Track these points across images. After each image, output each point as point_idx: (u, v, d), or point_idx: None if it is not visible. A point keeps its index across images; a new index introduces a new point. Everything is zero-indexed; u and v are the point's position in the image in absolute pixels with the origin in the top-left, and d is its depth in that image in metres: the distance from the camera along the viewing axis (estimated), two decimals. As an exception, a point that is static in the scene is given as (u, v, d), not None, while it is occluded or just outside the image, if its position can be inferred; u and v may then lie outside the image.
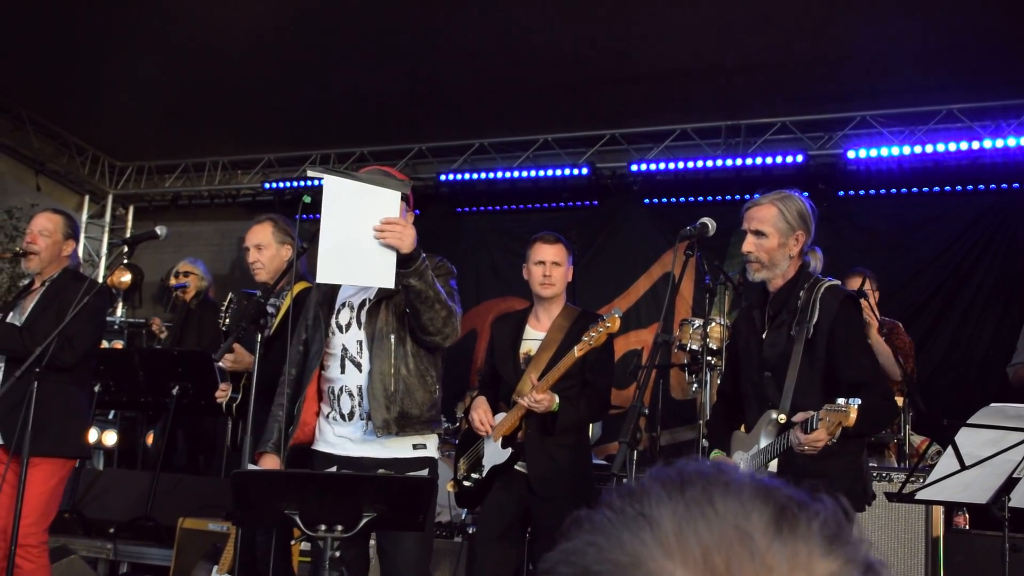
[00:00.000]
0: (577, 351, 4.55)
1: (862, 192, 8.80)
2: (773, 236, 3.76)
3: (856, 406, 3.23)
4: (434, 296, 3.69)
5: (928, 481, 3.84)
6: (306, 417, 4.01)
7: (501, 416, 4.80)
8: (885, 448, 6.41)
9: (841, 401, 3.25)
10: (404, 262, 3.59)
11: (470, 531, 5.95)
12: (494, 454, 4.79)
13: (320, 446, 3.98)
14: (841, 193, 8.83)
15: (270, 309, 4.86)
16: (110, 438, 9.09)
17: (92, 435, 8.91)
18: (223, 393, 4.89)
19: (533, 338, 4.93)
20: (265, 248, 4.96)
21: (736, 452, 3.81)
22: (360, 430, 3.86)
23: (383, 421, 3.78)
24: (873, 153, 8.37)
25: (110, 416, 9.26)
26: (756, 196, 3.89)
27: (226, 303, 5.04)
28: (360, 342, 3.91)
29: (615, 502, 0.84)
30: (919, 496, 3.90)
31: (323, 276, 3.63)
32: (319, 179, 3.58)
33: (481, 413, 4.77)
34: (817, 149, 8.79)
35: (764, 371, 3.75)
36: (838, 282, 3.77)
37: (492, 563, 4.74)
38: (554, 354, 4.76)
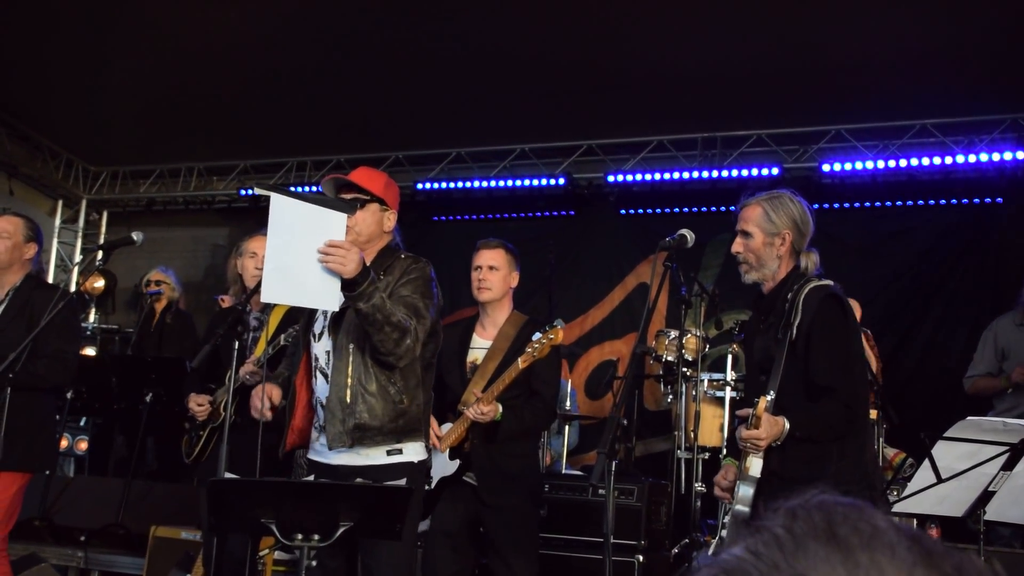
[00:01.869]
0: (521, 362, 4.56)
1: (836, 205, 8.86)
2: (758, 235, 3.73)
3: (767, 399, 3.28)
4: (383, 319, 3.60)
5: (904, 494, 3.86)
6: (294, 423, 3.99)
7: (447, 427, 4.79)
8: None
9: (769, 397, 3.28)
10: (348, 286, 3.52)
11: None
12: (442, 465, 4.76)
13: (309, 454, 3.97)
14: (816, 206, 8.82)
15: (253, 323, 4.83)
16: (82, 445, 9.00)
17: (64, 442, 8.83)
18: (202, 407, 4.83)
19: (480, 346, 4.93)
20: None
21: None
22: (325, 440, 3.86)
23: (336, 434, 3.73)
24: (848, 167, 8.44)
25: (81, 423, 9.18)
26: (746, 198, 3.88)
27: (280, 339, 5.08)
28: (328, 352, 3.89)
29: (763, 553, 0.80)
30: (895, 509, 3.92)
31: (267, 296, 3.58)
32: (265, 197, 3.54)
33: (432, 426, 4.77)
34: (792, 162, 8.86)
35: (760, 375, 3.73)
36: (829, 282, 3.70)
37: (445, 572, 4.73)
38: (500, 363, 4.75)
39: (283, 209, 3.51)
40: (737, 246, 3.79)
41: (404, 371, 3.83)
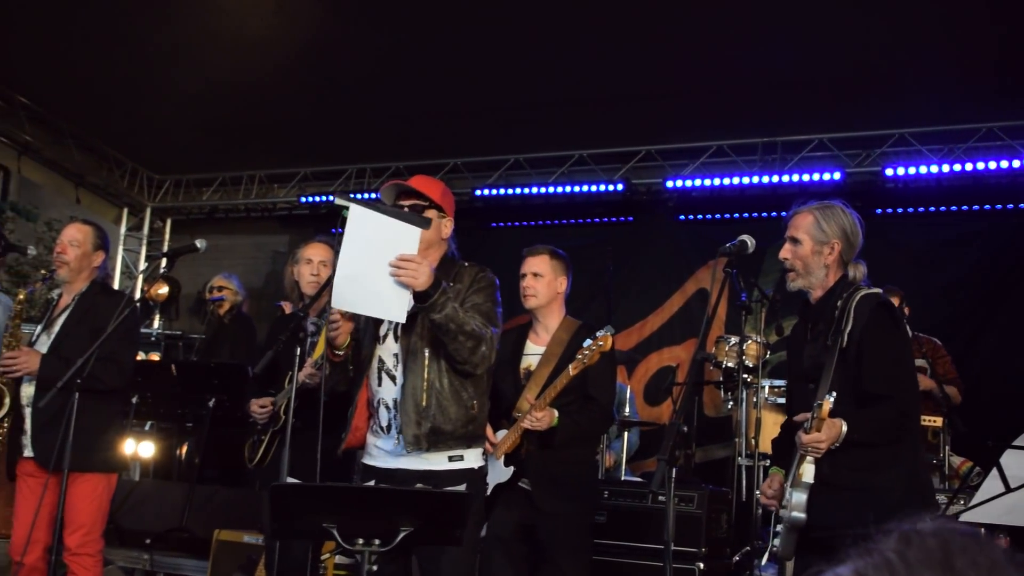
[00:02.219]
0: (571, 369, 4.54)
1: (900, 210, 8.75)
2: (807, 243, 3.74)
3: (830, 400, 3.22)
4: (456, 329, 3.66)
5: (972, 503, 3.79)
6: (357, 423, 4.02)
7: (503, 433, 4.79)
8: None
9: (820, 400, 3.23)
10: (420, 298, 3.59)
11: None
12: (497, 472, 4.77)
13: (365, 458, 3.98)
14: (879, 211, 8.78)
15: (311, 327, 4.87)
16: (146, 449, 9.14)
17: (128, 446, 8.97)
18: (264, 409, 4.86)
19: (533, 353, 4.93)
20: (329, 266, 5.03)
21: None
22: (396, 444, 3.86)
23: (413, 436, 3.76)
24: (912, 171, 8.32)
25: (146, 427, 9.32)
26: (797, 206, 3.88)
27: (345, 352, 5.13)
28: (396, 355, 3.90)
29: None
30: (963, 519, 3.84)
31: (337, 303, 3.65)
32: (345, 207, 3.59)
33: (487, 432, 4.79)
34: (855, 166, 8.75)
35: (808, 383, 3.69)
36: (878, 291, 3.69)
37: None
38: (554, 369, 4.75)
39: (361, 220, 3.59)
40: (785, 252, 3.79)
41: (475, 377, 3.87)
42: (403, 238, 3.58)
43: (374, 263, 3.56)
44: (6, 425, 5.00)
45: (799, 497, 3.46)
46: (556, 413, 4.57)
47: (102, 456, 4.82)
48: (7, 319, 5.40)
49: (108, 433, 4.85)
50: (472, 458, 3.85)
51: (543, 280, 4.90)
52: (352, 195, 10.05)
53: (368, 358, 3.98)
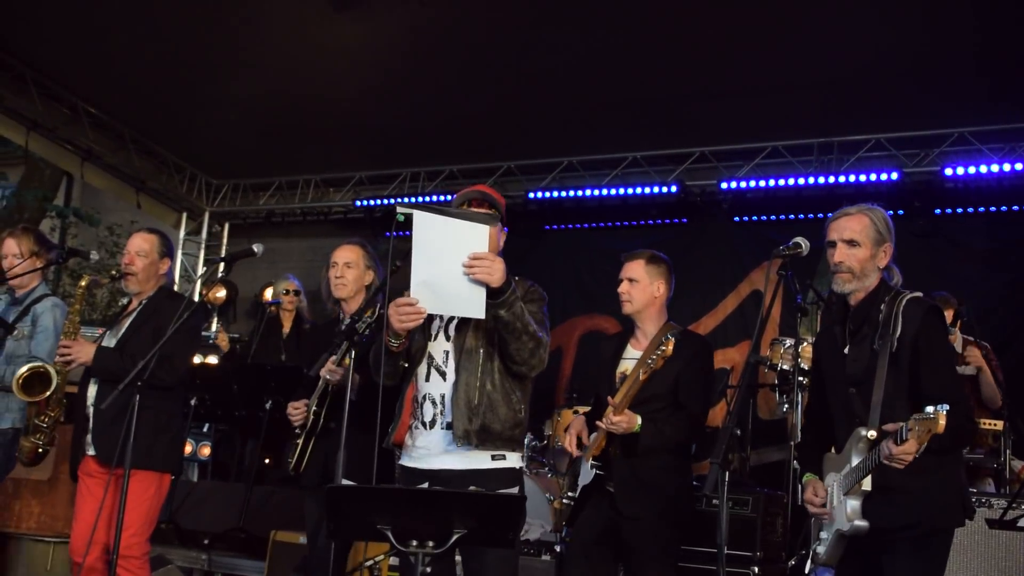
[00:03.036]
0: (642, 375, 4.53)
1: (959, 210, 8.63)
2: (866, 246, 3.73)
3: (945, 412, 3.13)
4: (522, 328, 3.72)
5: (1032, 508, 3.74)
6: (405, 417, 4.06)
7: (595, 435, 4.81)
8: (983, 472, 6.24)
9: (929, 409, 3.15)
10: (493, 294, 3.63)
11: (556, 549, 5.94)
12: (586, 473, 4.79)
13: (404, 460, 4.00)
14: (937, 211, 8.67)
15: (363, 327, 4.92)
16: (205, 450, 9.27)
17: (188, 448, 9.11)
18: (298, 411, 4.86)
19: (631, 357, 4.91)
20: (354, 267, 5.15)
21: (828, 474, 3.72)
22: (440, 439, 3.86)
23: (464, 431, 3.79)
24: (972, 170, 8.19)
25: (204, 429, 9.45)
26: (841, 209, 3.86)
27: (372, 319, 5.04)
28: (447, 352, 3.93)
29: None
30: (1022, 523, 3.79)
31: None
32: (404, 218, 3.63)
33: (573, 433, 4.81)
34: (913, 166, 8.63)
35: (849, 387, 3.68)
36: (919, 294, 3.69)
37: None
38: (639, 372, 4.73)
39: (426, 225, 3.62)
40: (841, 255, 3.76)
41: (524, 383, 3.92)
42: (471, 236, 3.63)
43: (446, 265, 3.60)
44: (51, 413, 5.13)
45: (854, 505, 3.44)
46: (639, 419, 4.55)
47: (159, 455, 4.86)
48: (64, 320, 5.52)
49: (166, 433, 4.90)
50: (514, 459, 3.88)
51: (638, 285, 4.89)
52: (409, 199, 10.16)
53: (418, 354, 4.01)
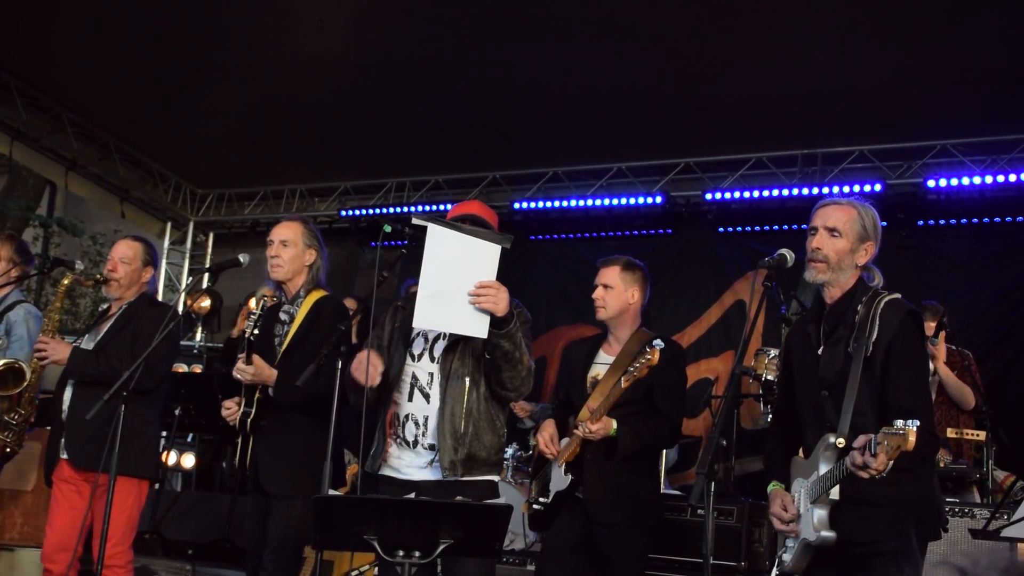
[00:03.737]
0: (624, 382, 4.52)
1: (942, 221, 8.68)
2: (847, 238, 3.60)
3: (915, 428, 3.02)
4: (519, 357, 3.74)
5: (1015, 518, 3.75)
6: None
7: (566, 441, 4.80)
8: (967, 483, 6.27)
9: (899, 423, 3.04)
10: (497, 323, 3.64)
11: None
12: (559, 479, 4.78)
13: (385, 470, 4.01)
14: (920, 222, 8.72)
15: (283, 316, 4.83)
16: (188, 460, 9.24)
17: (171, 458, 9.08)
18: (229, 410, 4.66)
19: (603, 362, 4.91)
20: (291, 246, 4.78)
21: (796, 480, 3.62)
22: (423, 459, 3.89)
23: (450, 463, 3.81)
24: (954, 182, 8.24)
25: (188, 439, 9.42)
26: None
27: (257, 314, 4.61)
28: (431, 375, 3.93)
29: None
30: (1004, 533, 3.80)
31: (420, 322, 3.69)
32: (423, 227, 3.62)
33: (546, 436, 4.78)
34: (896, 178, 8.69)
35: (821, 390, 3.56)
36: (898, 295, 3.56)
37: None
38: (619, 379, 4.73)
39: (440, 239, 3.62)
40: (820, 242, 3.63)
41: (505, 405, 3.97)
42: (482, 255, 3.64)
43: (455, 282, 3.61)
44: (22, 411, 5.13)
45: (821, 514, 3.38)
46: (614, 424, 4.54)
47: (136, 460, 4.79)
48: (38, 329, 5.48)
49: (142, 438, 4.83)
50: (493, 475, 3.96)
51: (613, 292, 4.88)
52: (393, 210, 10.15)
53: (397, 375, 4.01)
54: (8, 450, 5.26)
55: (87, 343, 5.07)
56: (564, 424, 4.90)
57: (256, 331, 4.45)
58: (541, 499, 4.90)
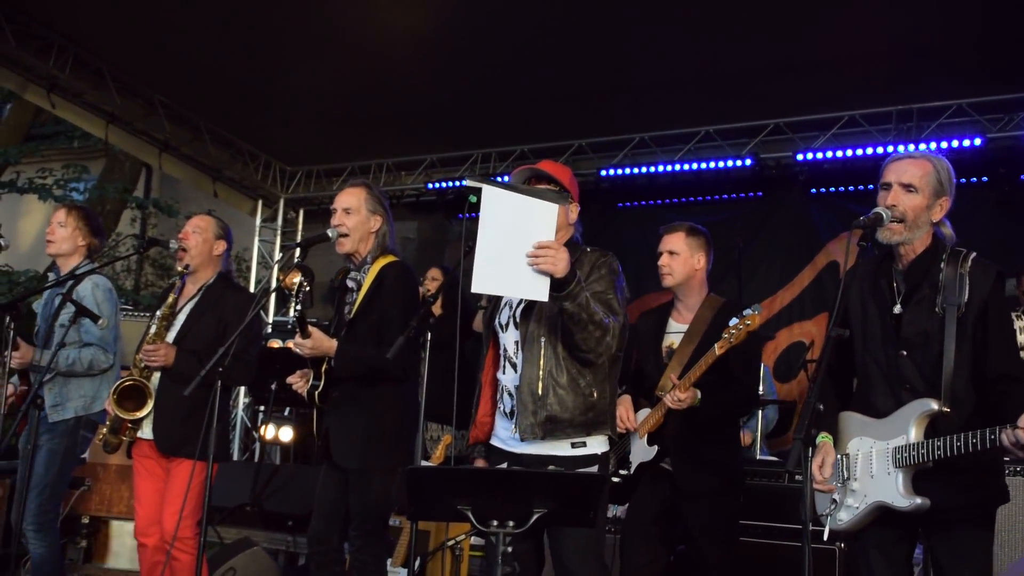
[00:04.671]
0: (718, 348, 4.46)
1: (1048, 175, 8.37)
2: (924, 194, 3.46)
3: None
4: (587, 318, 3.63)
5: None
6: (480, 417, 4.05)
7: (644, 412, 4.75)
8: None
9: None
10: (557, 286, 3.54)
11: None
12: (641, 451, 4.74)
13: (494, 440, 4.02)
14: (1023, 176, 8.41)
15: (350, 284, 4.82)
16: (286, 434, 9.41)
17: (269, 432, 9.26)
18: (299, 380, 4.67)
19: (675, 331, 4.87)
20: (354, 213, 4.71)
21: (859, 438, 3.53)
22: (512, 431, 3.88)
23: (528, 426, 3.77)
24: (1059, 133, 7.93)
25: (286, 413, 9.59)
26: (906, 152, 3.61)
27: (296, 289, 4.56)
28: (516, 343, 3.91)
29: None
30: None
31: (478, 287, 3.59)
32: (477, 189, 3.57)
33: (623, 410, 4.72)
34: (997, 131, 8.37)
35: (900, 350, 3.44)
36: (975, 254, 3.43)
37: (640, 559, 4.70)
38: (696, 347, 4.68)
39: (495, 200, 3.55)
40: (895, 199, 3.48)
41: (594, 365, 3.83)
42: (540, 215, 3.55)
43: (513, 243, 3.52)
44: (138, 414, 5.06)
45: (907, 480, 3.34)
46: (699, 393, 4.51)
47: (204, 445, 4.82)
48: (107, 299, 5.49)
49: (219, 424, 4.91)
50: (595, 444, 3.84)
51: (679, 258, 4.83)
52: (453, 184, 10.15)
53: (491, 347, 4.00)
54: (127, 442, 5.27)
55: (158, 323, 5.13)
56: (636, 398, 4.87)
57: (299, 308, 4.44)
58: (621, 471, 4.87)
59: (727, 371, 4.59)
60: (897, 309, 3.50)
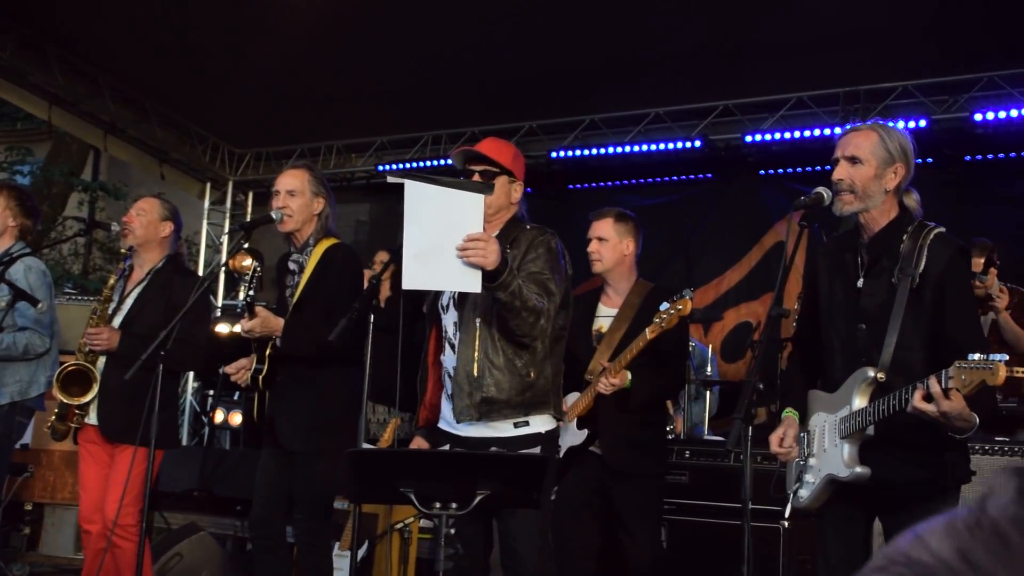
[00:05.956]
0: (649, 333, 4.50)
1: (991, 156, 8.47)
2: (870, 164, 3.41)
3: (1003, 362, 2.83)
4: (520, 305, 3.60)
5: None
6: (430, 399, 4.04)
7: (574, 396, 4.77)
8: (1018, 421, 6.16)
9: (978, 356, 2.85)
10: (489, 277, 3.50)
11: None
12: (570, 435, 4.76)
13: (440, 423, 4.01)
14: (968, 158, 8.52)
15: (292, 266, 4.80)
16: (236, 418, 9.34)
17: (219, 416, 9.18)
18: (237, 371, 4.67)
19: (605, 315, 4.92)
20: (298, 195, 4.68)
21: (817, 413, 3.52)
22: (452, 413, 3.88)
23: (464, 408, 3.76)
24: (1003, 115, 8.02)
25: (235, 397, 9.52)
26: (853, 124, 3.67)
27: (250, 274, 4.59)
28: (455, 323, 3.91)
29: (980, 561, 0.58)
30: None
31: (408, 283, 3.57)
32: (400, 184, 3.54)
33: None
34: (941, 113, 8.46)
35: (859, 323, 3.44)
36: (943, 229, 3.40)
37: (573, 543, 4.74)
38: (626, 331, 4.73)
39: (418, 195, 3.51)
40: (840, 172, 3.47)
41: (525, 349, 3.83)
42: (466, 207, 3.50)
43: (440, 238, 3.47)
44: (84, 399, 4.98)
45: (851, 450, 3.31)
46: (629, 375, 4.55)
47: (158, 432, 4.74)
48: (41, 282, 5.37)
49: (165, 410, 4.87)
50: (539, 423, 3.83)
51: (608, 244, 4.87)
52: (423, 164, 10.10)
53: (433, 329, 4.00)
54: (73, 428, 5.17)
55: (100, 305, 5.06)
56: (567, 382, 4.88)
57: (252, 292, 4.44)
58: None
59: (656, 353, 4.62)
60: (859, 283, 3.50)
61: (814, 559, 3.85)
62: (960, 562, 0.59)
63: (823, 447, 3.45)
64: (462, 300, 3.85)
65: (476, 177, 3.81)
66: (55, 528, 7.12)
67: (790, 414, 3.62)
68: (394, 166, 10.53)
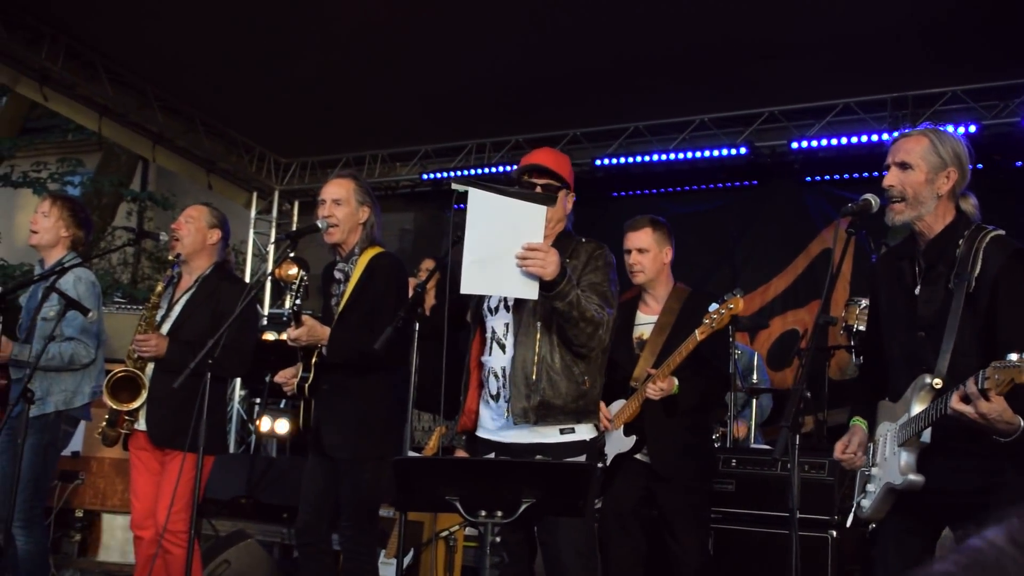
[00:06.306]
0: (699, 334, 4.48)
1: (1041, 161, 8.34)
2: (920, 169, 3.37)
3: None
4: (578, 316, 3.64)
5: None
6: (470, 405, 4.05)
7: (619, 403, 4.76)
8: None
9: (1013, 357, 2.80)
10: (547, 286, 3.56)
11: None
12: (617, 442, 4.76)
13: (479, 431, 4.01)
14: (1019, 163, 8.39)
15: (337, 275, 4.82)
16: (282, 426, 9.39)
17: (265, 424, 9.25)
18: (286, 379, 4.71)
19: (644, 322, 4.92)
20: (344, 204, 4.71)
21: (882, 423, 3.46)
22: (504, 415, 3.86)
23: (521, 409, 3.77)
24: (1054, 120, 7.90)
25: (282, 405, 9.58)
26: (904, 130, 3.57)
27: (297, 283, 4.62)
28: (507, 324, 3.91)
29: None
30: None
31: (467, 287, 3.62)
32: (464, 191, 3.59)
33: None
34: (992, 118, 8.34)
35: (917, 331, 3.36)
36: (1002, 232, 3.33)
37: (621, 551, 4.73)
38: (668, 337, 4.71)
39: (482, 203, 3.57)
40: (891, 179, 3.44)
41: (581, 358, 3.84)
42: (528, 217, 3.56)
43: (500, 244, 3.54)
44: (133, 405, 5.03)
45: (908, 458, 3.24)
46: (676, 381, 4.54)
47: (207, 438, 4.77)
48: (90, 293, 5.41)
49: (213, 415, 4.85)
50: (583, 431, 3.83)
51: (648, 255, 4.86)
52: (468, 173, 10.13)
53: (477, 332, 4.00)
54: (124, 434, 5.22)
55: (148, 312, 5.12)
56: (606, 389, 4.88)
57: (298, 301, 4.48)
58: (598, 464, 4.90)
59: (699, 357, 4.60)
60: (917, 290, 3.44)
61: (863, 570, 3.79)
62: (1011, 545, 0.63)
63: (884, 456, 3.41)
64: (519, 302, 3.87)
65: (538, 189, 3.84)
66: (106, 534, 7.20)
67: (858, 423, 3.60)
68: (438, 174, 10.58)
